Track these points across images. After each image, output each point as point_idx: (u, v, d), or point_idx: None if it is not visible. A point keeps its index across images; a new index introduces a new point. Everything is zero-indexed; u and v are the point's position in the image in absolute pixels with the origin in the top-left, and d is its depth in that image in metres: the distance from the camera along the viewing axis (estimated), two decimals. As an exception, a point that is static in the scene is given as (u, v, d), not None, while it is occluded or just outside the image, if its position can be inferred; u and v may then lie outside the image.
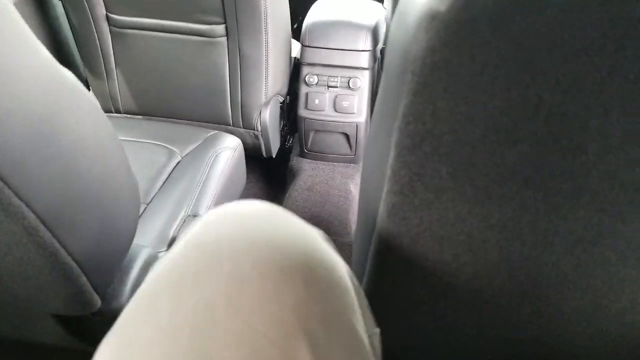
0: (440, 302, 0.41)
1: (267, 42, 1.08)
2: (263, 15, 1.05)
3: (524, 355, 0.45)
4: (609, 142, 0.30)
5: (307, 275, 0.29)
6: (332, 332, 0.28)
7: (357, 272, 0.49)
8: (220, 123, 1.20)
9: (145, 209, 0.86)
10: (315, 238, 0.33)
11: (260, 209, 0.34)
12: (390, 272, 0.41)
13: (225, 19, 1.06)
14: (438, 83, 0.29)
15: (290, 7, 1.19)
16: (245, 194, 1.29)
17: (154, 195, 0.89)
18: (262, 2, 1.03)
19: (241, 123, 1.19)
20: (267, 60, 1.11)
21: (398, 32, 0.34)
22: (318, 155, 1.37)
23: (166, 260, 0.31)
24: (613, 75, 0.28)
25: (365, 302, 0.36)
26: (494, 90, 0.29)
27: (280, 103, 1.26)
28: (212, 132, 1.07)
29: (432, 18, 0.28)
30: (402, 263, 0.39)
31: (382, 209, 0.37)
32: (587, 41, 0.27)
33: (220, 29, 1.07)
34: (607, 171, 0.31)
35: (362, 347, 0.31)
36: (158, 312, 0.27)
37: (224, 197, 0.96)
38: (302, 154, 1.39)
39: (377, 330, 0.37)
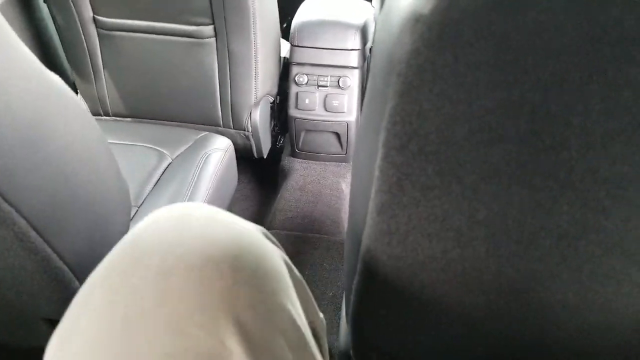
0: (430, 298, 0.42)
1: (255, 43, 1.08)
2: (251, 15, 1.05)
3: (513, 348, 0.45)
4: (591, 139, 0.30)
5: (234, 263, 0.30)
6: (261, 313, 0.30)
7: (349, 270, 0.50)
8: (210, 124, 1.19)
9: (136, 212, 0.86)
10: (249, 231, 0.34)
11: (200, 209, 0.35)
12: (380, 269, 0.41)
13: (213, 19, 1.06)
14: (423, 84, 0.30)
15: (279, 6, 1.19)
16: (237, 195, 1.29)
17: (145, 198, 0.89)
18: (250, 2, 1.03)
19: (231, 124, 1.19)
20: (256, 60, 1.11)
21: (383, 34, 0.34)
22: (309, 154, 1.38)
23: (106, 258, 0.32)
24: (592, 74, 0.28)
25: (306, 290, 0.38)
26: (478, 90, 0.30)
27: (271, 103, 1.26)
28: (203, 134, 1.07)
29: (416, 20, 0.28)
30: (392, 260, 0.39)
31: (371, 207, 0.37)
32: (567, 41, 0.27)
33: (208, 29, 1.07)
34: (590, 167, 0.31)
35: (297, 329, 0.32)
36: (94, 304, 0.29)
37: (215, 198, 0.96)
38: (293, 154, 1.40)
39: (321, 316, 0.39)
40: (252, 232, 0.35)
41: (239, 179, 1.16)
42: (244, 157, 1.25)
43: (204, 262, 0.30)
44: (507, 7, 0.27)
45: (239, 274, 0.30)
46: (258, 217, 1.33)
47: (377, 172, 0.35)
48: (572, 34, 0.27)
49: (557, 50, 0.28)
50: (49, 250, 0.47)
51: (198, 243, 0.31)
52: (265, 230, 0.39)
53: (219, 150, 1.02)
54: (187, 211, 0.34)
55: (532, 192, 0.33)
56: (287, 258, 0.37)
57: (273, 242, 0.38)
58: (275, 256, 0.35)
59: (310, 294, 0.39)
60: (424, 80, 0.30)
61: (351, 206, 0.52)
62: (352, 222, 0.49)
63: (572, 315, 0.40)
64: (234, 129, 1.20)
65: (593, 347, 0.42)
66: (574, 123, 0.30)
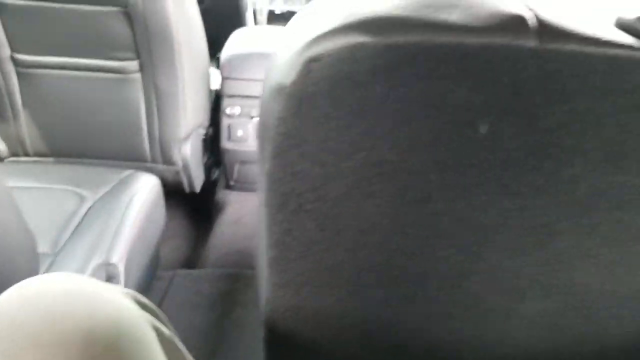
0: (334, 348, 0.43)
1: (183, 76, 1.07)
2: (177, 48, 1.04)
3: None
4: (450, 193, 0.34)
5: (88, 337, 0.29)
6: None
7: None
8: (137, 160, 1.16)
9: (53, 261, 0.82)
10: (111, 301, 0.34)
11: (60, 282, 0.34)
12: (281, 320, 0.42)
13: (138, 54, 1.04)
14: (292, 149, 0.32)
15: (210, 37, 1.19)
16: (168, 234, 1.25)
17: (63, 245, 0.84)
18: (175, 36, 1.02)
19: (161, 159, 1.16)
20: (184, 94, 1.09)
21: (261, 101, 0.37)
22: (244, 186, 1.36)
23: None
24: (438, 135, 0.32)
25: (180, 350, 0.38)
26: (343, 154, 0.32)
27: (203, 136, 1.24)
28: (127, 172, 1.03)
29: (280, 91, 0.31)
30: (291, 312, 0.41)
31: (265, 261, 0.39)
32: (412, 110, 0.31)
33: (133, 65, 1.05)
34: (452, 217, 0.35)
35: None
36: None
37: (141, 240, 0.93)
38: (228, 187, 1.38)
39: None
40: (115, 302, 0.33)
41: (170, 215, 1.13)
42: (176, 192, 1.22)
43: (54, 339, 0.28)
44: (357, 82, 0.30)
45: (92, 349, 0.29)
46: (191, 255, 1.30)
47: (264, 228, 0.37)
48: (417, 104, 0.31)
49: (406, 117, 0.31)
50: None
51: (49, 319, 0.30)
52: (137, 295, 0.38)
53: (144, 190, 0.99)
54: (45, 286, 0.33)
55: (408, 241, 0.36)
56: (157, 322, 0.37)
57: (145, 307, 0.37)
58: (141, 324, 0.34)
59: (184, 351, 0.39)
60: (292, 145, 0.32)
61: (254, 256, 0.54)
62: (256, 273, 0.50)
63: (471, 350, 0.43)
64: (163, 164, 1.17)
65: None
66: (432, 178, 0.33)
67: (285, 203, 0.34)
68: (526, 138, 0.32)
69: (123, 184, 0.99)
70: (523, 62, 0.31)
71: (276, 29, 1.38)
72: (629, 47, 0.31)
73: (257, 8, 1.93)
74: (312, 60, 0.30)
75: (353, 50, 0.30)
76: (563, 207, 0.35)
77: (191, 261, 1.24)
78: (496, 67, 0.31)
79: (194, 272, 1.17)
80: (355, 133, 0.31)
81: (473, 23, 0.31)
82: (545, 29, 0.31)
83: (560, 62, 0.31)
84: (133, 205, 0.94)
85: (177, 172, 1.18)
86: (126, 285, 0.85)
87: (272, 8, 1.97)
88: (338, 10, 0.34)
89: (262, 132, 0.34)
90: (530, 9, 0.33)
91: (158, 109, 1.10)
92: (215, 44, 1.25)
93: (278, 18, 1.99)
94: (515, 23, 0.31)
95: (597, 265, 0.38)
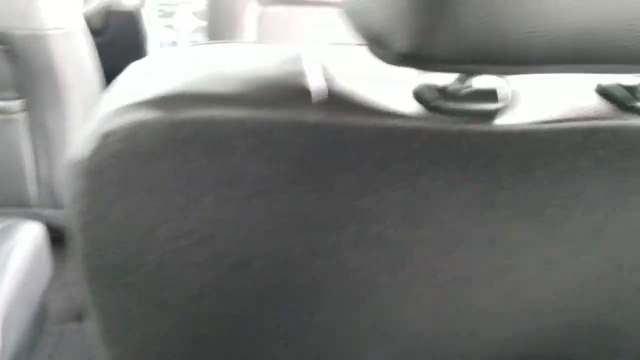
0: None
1: (72, 115, 1.03)
2: (63, 88, 1.00)
3: None
4: (267, 256, 0.36)
5: None
6: None
7: None
8: (22, 206, 1.09)
9: None
10: None
11: None
12: None
13: (21, 93, 0.98)
14: (98, 222, 0.34)
15: (113, 70, 1.14)
16: (58, 283, 1.17)
17: None
18: (61, 75, 0.99)
19: (49, 203, 1.10)
20: (73, 133, 1.05)
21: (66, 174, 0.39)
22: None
23: None
24: (243, 205, 0.34)
25: None
26: (150, 225, 0.34)
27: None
28: (8, 222, 0.96)
29: (78, 165, 0.32)
30: None
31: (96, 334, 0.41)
32: (207, 183, 0.33)
33: (16, 104, 1.00)
34: (276, 279, 0.37)
35: None
36: None
37: (23, 295, 0.86)
38: None
39: None
40: None
41: (59, 264, 1.06)
42: (66, 237, 1.15)
43: None
44: (147, 158, 0.32)
45: None
46: (84, 306, 1.22)
47: (90, 305, 0.38)
48: (209, 177, 0.33)
49: (206, 189, 0.33)
50: None
51: None
52: None
53: (27, 239, 0.92)
54: None
55: (235, 306, 0.38)
56: None
57: None
58: None
59: None
60: (96, 218, 0.33)
61: None
62: None
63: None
64: (52, 208, 1.10)
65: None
66: (246, 244, 0.36)
67: (98, 277, 0.35)
68: (326, 202, 0.34)
69: (2, 234, 0.92)
70: (307, 134, 0.32)
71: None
72: (414, 118, 0.34)
73: (159, 40, 1.90)
74: (106, 135, 0.31)
75: (142, 127, 0.31)
76: (379, 262, 0.37)
77: (84, 313, 1.16)
78: (283, 139, 0.32)
79: (86, 325, 1.10)
80: (157, 206, 0.33)
81: (258, 97, 0.32)
82: (331, 102, 0.33)
83: (343, 134, 0.33)
84: (13, 258, 0.87)
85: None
86: (5, 344, 0.78)
87: (174, 40, 1.94)
88: (133, 86, 0.35)
89: (68, 206, 0.34)
90: (324, 80, 0.35)
91: (46, 150, 1.04)
92: (115, 78, 1.21)
93: (182, 49, 1.97)
94: (300, 96, 0.33)
95: (424, 312, 0.41)
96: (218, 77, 0.34)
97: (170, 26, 1.90)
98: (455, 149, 0.34)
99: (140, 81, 0.35)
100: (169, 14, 1.89)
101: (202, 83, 0.33)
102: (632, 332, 0.49)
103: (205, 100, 0.32)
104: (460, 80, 0.35)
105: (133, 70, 0.37)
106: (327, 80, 0.35)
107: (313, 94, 0.33)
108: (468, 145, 0.34)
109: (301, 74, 0.35)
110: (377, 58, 0.32)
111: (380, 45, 0.30)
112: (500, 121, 0.35)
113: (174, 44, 1.94)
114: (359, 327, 0.40)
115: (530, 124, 0.35)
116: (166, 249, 0.34)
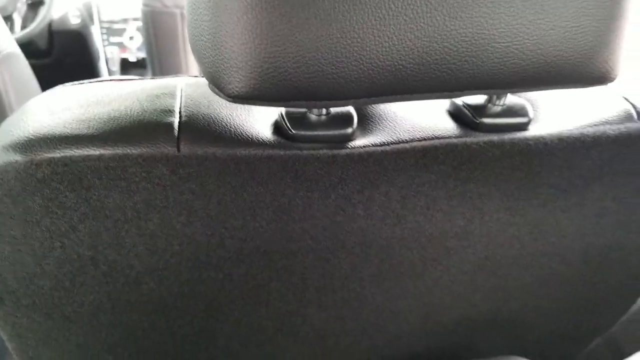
0: None
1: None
2: (9, 112, 1.01)
3: None
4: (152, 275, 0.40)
5: None
6: None
7: None
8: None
9: None
10: None
11: None
12: None
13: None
14: None
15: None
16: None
17: None
18: (5, 99, 1.00)
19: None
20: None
21: None
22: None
23: None
24: (118, 232, 0.37)
25: None
26: (41, 251, 0.36)
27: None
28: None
29: None
30: None
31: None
32: (78, 216, 0.35)
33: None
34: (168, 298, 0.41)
35: None
36: None
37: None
38: None
39: None
40: None
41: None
42: None
43: None
44: (13, 197, 0.34)
45: None
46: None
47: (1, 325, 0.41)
48: (77, 211, 0.35)
49: (78, 220, 0.35)
50: None
51: None
52: None
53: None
54: None
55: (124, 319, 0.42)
56: None
57: None
58: None
59: None
60: None
61: None
62: None
63: None
64: None
65: None
66: (133, 264, 0.39)
67: (1, 300, 0.38)
68: (188, 227, 0.37)
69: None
70: (163, 166, 0.34)
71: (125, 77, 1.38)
72: (269, 146, 0.36)
73: (109, 57, 1.88)
74: None
75: (7, 168, 0.33)
76: (252, 277, 0.42)
77: None
78: (139, 172, 0.34)
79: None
80: (40, 238, 0.35)
81: (117, 135, 0.34)
82: (191, 134, 0.35)
83: (201, 164, 0.35)
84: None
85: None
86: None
87: (125, 56, 1.92)
88: (14, 125, 0.36)
89: None
90: (185, 114, 0.36)
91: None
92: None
93: (134, 66, 1.94)
94: (158, 132, 0.35)
95: (326, 313, 0.46)
96: (86, 117, 0.36)
97: (120, 43, 1.88)
98: (305, 172, 0.36)
99: (17, 121, 0.37)
100: (119, 32, 1.86)
101: (70, 123, 0.35)
102: (524, 321, 0.52)
103: (70, 141, 0.34)
104: (317, 110, 0.37)
105: (22, 109, 0.38)
106: (187, 113, 0.37)
107: (170, 128, 0.35)
108: (317, 169, 0.37)
109: (164, 110, 0.37)
110: (216, 94, 0.35)
111: (217, 86, 0.33)
112: (351, 144, 0.37)
113: (125, 61, 1.91)
114: (263, 329, 0.45)
115: (377, 145, 0.38)
116: (57, 273, 0.37)
